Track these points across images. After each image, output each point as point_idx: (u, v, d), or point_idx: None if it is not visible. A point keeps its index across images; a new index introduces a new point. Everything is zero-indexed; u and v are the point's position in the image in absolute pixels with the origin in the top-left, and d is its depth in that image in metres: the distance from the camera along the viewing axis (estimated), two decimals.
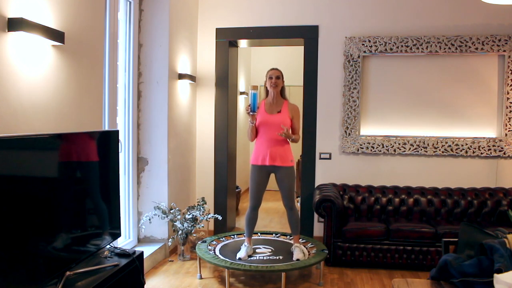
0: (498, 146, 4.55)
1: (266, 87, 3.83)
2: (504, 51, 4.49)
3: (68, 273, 2.40)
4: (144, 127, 4.23)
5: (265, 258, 3.74)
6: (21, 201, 2.04)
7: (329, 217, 4.14)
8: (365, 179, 4.75)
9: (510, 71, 4.50)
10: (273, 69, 3.83)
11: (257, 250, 3.92)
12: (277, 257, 3.74)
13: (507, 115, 4.53)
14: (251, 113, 3.65)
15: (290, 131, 3.74)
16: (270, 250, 3.93)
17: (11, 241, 1.97)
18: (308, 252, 3.85)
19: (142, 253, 3.00)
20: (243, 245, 3.84)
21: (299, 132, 3.87)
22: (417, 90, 4.72)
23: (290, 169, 3.78)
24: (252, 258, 3.72)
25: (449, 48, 4.56)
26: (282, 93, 3.84)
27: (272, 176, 3.85)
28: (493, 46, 4.50)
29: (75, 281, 2.41)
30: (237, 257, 3.68)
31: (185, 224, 4.14)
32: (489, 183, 4.58)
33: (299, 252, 3.73)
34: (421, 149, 4.66)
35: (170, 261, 4.27)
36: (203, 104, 5.11)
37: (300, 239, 4.00)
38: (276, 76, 3.77)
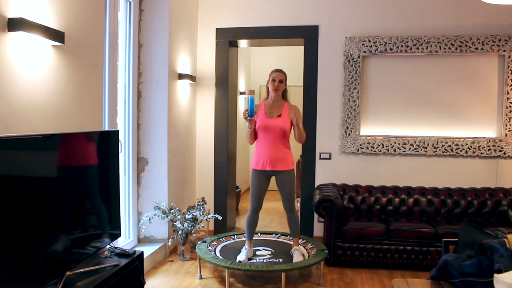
0: (498, 146, 4.55)
1: (268, 87, 3.78)
2: (504, 51, 4.49)
3: (68, 273, 2.40)
4: (144, 127, 4.23)
5: (265, 261, 3.74)
6: (21, 201, 2.04)
7: (329, 217, 4.14)
8: (365, 179, 4.75)
9: (510, 71, 4.50)
10: (277, 70, 3.73)
11: (257, 253, 3.92)
12: (277, 260, 3.75)
13: (507, 115, 4.53)
14: (248, 118, 3.61)
15: (297, 128, 3.68)
16: (270, 253, 3.93)
17: (11, 241, 1.97)
18: (308, 252, 3.85)
19: (142, 253, 3.00)
20: (244, 248, 3.84)
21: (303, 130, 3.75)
22: (417, 90, 4.72)
23: (291, 172, 3.76)
24: (252, 261, 3.72)
25: (449, 48, 4.56)
26: (283, 94, 3.80)
27: (273, 177, 3.84)
28: (493, 46, 4.50)
29: (75, 281, 2.41)
30: (237, 260, 3.67)
31: (185, 224, 4.14)
32: (489, 183, 4.58)
33: (299, 255, 3.73)
34: (421, 149, 4.66)
35: (170, 261, 4.27)
36: (203, 104, 5.11)
37: (300, 239, 4.00)
38: (279, 80, 3.69)
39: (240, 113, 6.64)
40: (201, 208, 4.30)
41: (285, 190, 3.76)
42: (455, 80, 4.66)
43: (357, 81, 4.72)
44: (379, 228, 4.10)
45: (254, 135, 3.78)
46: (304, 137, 3.75)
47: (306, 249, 3.94)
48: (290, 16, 4.87)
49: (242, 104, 7.31)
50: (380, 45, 4.66)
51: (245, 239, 3.94)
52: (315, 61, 4.83)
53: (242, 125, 6.79)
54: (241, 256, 3.72)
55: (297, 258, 3.69)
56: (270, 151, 3.68)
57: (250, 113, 3.57)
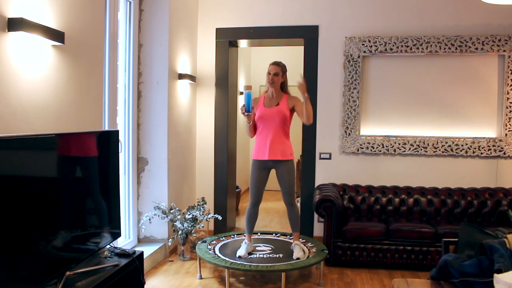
0: (498, 146, 4.55)
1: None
2: (504, 51, 4.49)
3: (68, 273, 2.40)
4: (144, 127, 4.23)
5: (265, 256, 3.73)
6: (21, 201, 2.04)
7: (329, 217, 4.14)
8: (365, 179, 4.75)
9: (510, 71, 4.50)
10: (273, 64, 3.74)
11: (257, 248, 3.92)
12: (277, 255, 3.74)
13: (507, 115, 4.53)
14: (246, 113, 3.61)
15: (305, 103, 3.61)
16: (270, 248, 3.93)
17: (11, 241, 1.97)
18: (308, 252, 3.85)
19: (142, 253, 3.00)
20: (243, 242, 3.84)
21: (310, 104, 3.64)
22: (417, 90, 4.72)
23: (290, 162, 3.75)
24: (252, 256, 3.71)
25: (449, 48, 4.56)
26: (282, 87, 3.79)
27: (273, 172, 3.83)
28: (493, 46, 4.50)
29: (75, 281, 2.41)
30: (237, 255, 3.67)
31: (185, 224, 4.14)
32: (489, 183, 4.58)
33: (299, 250, 3.73)
34: (421, 149, 4.66)
35: (170, 261, 4.27)
36: (203, 104, 5.11)
37: (300, 239, 3.99)
38: (274, 73, 3.70)
39: (240, 113, 6.65)
40: (201, 208, 4.30)
41: (284, 183, 3.75)
42: (455, 80, 4.65)
43: (357, 81, 4.72)
44: (379, 228, 4.10)
45: (254, 129, 3.79)
46: (312, 113, 3.64)
47: (306, 248, 3.93)
48: (290, 16, 4.87)
49: (242, 99, 7.29)
50: (380, 45, 4.66)
51: (244, 237, 3.93)
52: (315, 61, 4.83)
53: (242, 125, 6.78)
54: (241, 251, 3.71)
55: (297, 253, 3.68)
56: (269, 140, 3.68)
57: (247, 109, 3.57)
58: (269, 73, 3.73)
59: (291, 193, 3.79)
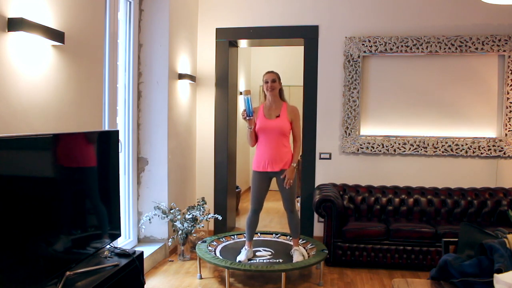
0: (498, 146, 4.55)
1: (264, 91, 3.81)
2: (504, 51, 4.49)
3: (68, 273, 2.40)
4: (144, 127, 4.23)
5: (264, 261, 3.74)
6: (21, 201, 2.04)
7: (329, 217, 4.14)
8: (365, 179, 4.75)
9: (510, 71, 4.50)
10: (268, 72, 3.77)
11: (257, 254, 3.92)
12: (277, 261, 3.74)
13: (507, 115, 4.53)
14: (247, 118, 3.61)
15: (289, 133, 3.75)
16: (270, 253, 3.93)
17: (11, 242, 1.97)
18: (308, 252, 3.85)
19: (142, 253, 3.00)
20: (244, 248, 3.84)
21: (299, 136, 3.81)
22: (417, 90, 4.72)
23: None
24: (252, 262, 3.72)
25: (449, 48, 4.56)
26: (280, 95, 3.81)
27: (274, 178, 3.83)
28: (493, 46, 4.50)
29: (75, 281, 2.41)
30: (237, 261, 3.67)
31: (185, 224, 4.14)
32: (489, 183, 4.58)
33: (299, 255, 3.73)
34: (421, 149, 4.66)
35: (170, 261, 4.27)
36: (203, 104, 5.11)
37: (300, 239, 4.00)
38: (271, 80, 3.71)
39: (240, 113, 6.65)
40: (201, 208, 4.30)
41: (285, 191, 3.75)
42: (455, 80, 4.66)
43: (357, 81, 4.72)
44: (379, 228, 4.10)
45: (255, 137, 3.78)
46: (300, 147, 3.87)
47: (306, 249, 3.94)
48: (290, 16, 4.87)
49: (242, 104, 7.29)
50: (380, 45, 4.66)
51: (245, 239, 3.94)
52: (315, 61, 4.83)
53: (242, 125, 6.78)
54: (241, 257, 3.72)
55: (297, 258, 3.69)
56: (270, 152, 3.68)
57: (248, 113, 3.57)
58: (266, 82, 3.73)
59: (292, 200, 3.79)
